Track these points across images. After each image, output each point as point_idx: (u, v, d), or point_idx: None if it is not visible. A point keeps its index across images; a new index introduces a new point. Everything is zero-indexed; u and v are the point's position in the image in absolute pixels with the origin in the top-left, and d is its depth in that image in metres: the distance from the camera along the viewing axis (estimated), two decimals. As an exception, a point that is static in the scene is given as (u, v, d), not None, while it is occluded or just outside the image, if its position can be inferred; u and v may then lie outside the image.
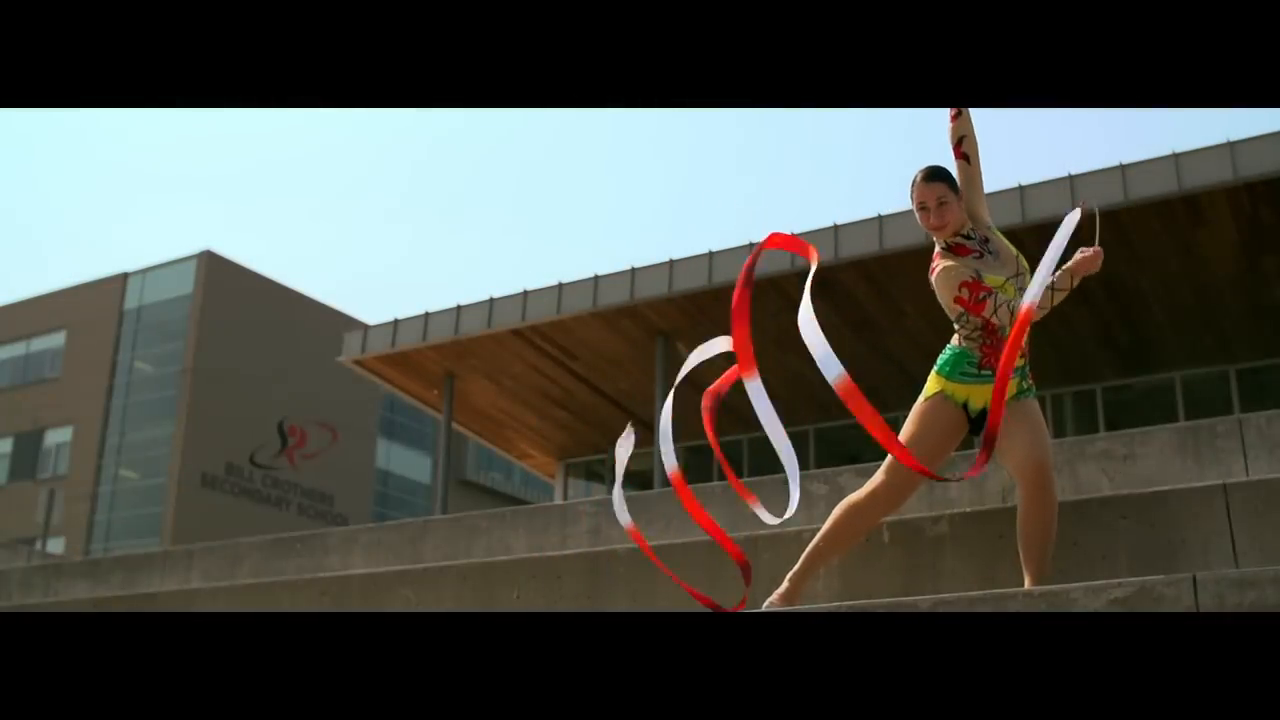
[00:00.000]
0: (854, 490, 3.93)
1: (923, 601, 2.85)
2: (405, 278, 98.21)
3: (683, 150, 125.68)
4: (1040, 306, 3.53)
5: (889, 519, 4.21)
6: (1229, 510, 3.64)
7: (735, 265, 15.03)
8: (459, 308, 16.91)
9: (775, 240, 3.92)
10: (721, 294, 15.19)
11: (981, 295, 3.67)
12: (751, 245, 15.05)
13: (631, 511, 5.86)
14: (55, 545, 30.33)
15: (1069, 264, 3.62)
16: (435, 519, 6.79)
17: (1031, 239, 13.23)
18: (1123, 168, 13.18)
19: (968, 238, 3.78)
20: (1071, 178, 13.27)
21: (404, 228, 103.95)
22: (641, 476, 19.68)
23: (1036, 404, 3.76)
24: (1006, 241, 3.83)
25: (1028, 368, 3.79)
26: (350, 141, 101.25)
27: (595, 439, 19.51)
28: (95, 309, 36.94)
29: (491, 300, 16.63)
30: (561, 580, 4.64)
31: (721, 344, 4.03)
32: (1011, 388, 3.72)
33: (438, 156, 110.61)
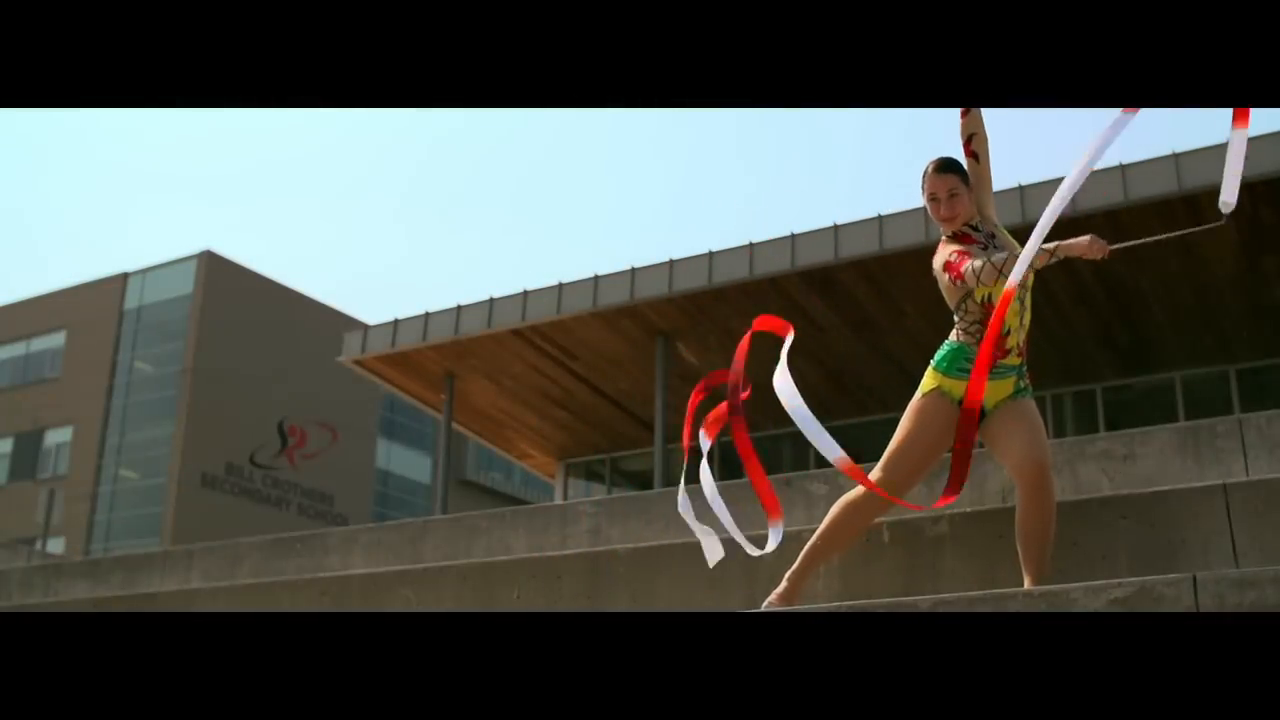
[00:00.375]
0: (853, 489, 3.93)
1: (923, 601, 2.85)
2: (405, 278, 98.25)
3: (683, 150, 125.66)
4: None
5: (889, 519, 4.21)
6: (1229, 510, 3.64)
7: (735, 265, 15.02)
8: (459, 308, 16.91)
9: (762, 323, 4.03)
10: (721, 294, 15.20)
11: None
12: (751, 245, 15.04)
13: (631, 512, 5.88)
14: (55, 545, 30.33)
15: (1064, 242, 3.50)
16: (435, 519, 6.78)
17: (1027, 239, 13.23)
18: (1123, 168, 13.17)
19: (974, 229, 3.80)
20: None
21: (404, 228, 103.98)
22: (641, 477, 19.68)
23: (1034, 404, 3.77)
24: (1012, 240, 3.83)
25: (1024, 367, 3.79)
26: (350, 141, 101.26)
27: (595, 439, 19.50)
28: (95, 309, 36.93)
29: (491, 300, 16.63)
30: (561, 580, 4.64)
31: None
32: (1008, 387, 3.72)
33: (438, 156, 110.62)
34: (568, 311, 15.96)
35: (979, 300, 3.73)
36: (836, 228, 14.55)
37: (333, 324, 33.57)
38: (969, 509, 4.26)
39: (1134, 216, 12.94)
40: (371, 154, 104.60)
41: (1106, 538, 3.80)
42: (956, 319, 3.80)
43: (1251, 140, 12.46)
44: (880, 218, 14.25)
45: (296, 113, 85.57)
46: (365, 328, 18.44)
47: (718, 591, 4.32)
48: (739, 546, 4.17)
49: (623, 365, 17.10)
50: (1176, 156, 12.86)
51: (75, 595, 6.99)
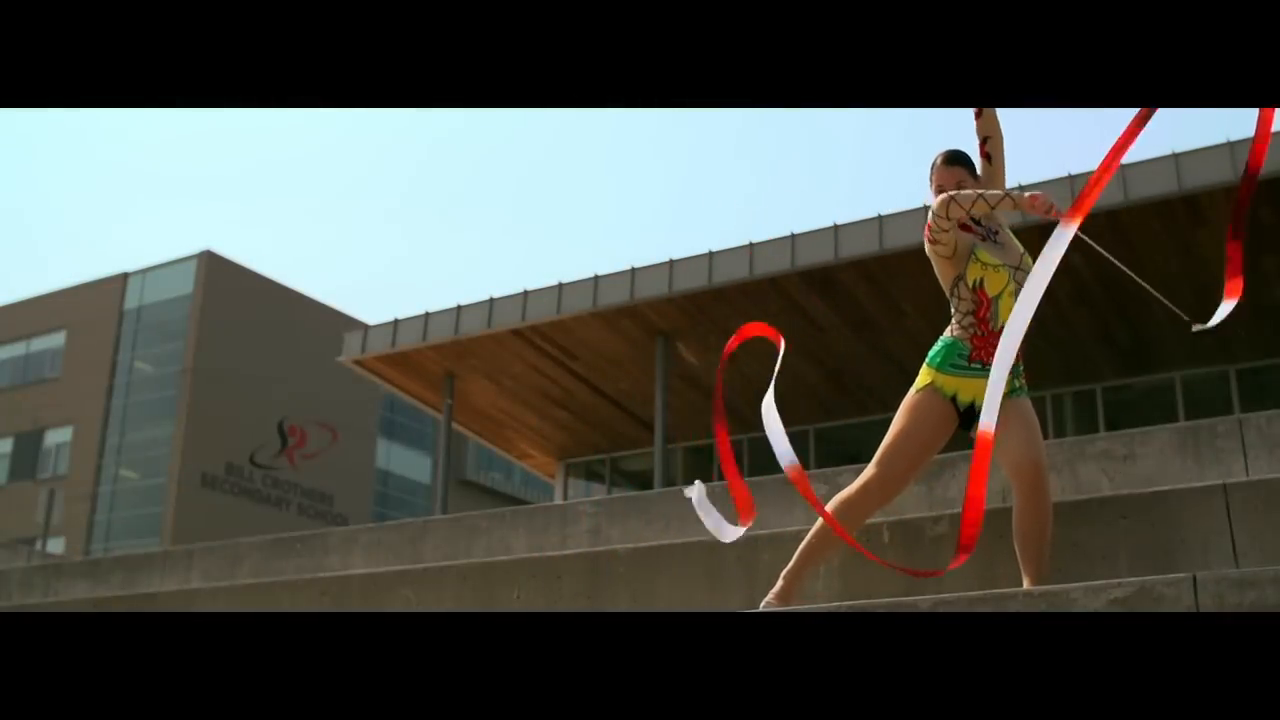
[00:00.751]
0: (847, 488, 3.93)
1: (923, 601, 2.85)
2: (405, 278, 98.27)
3: (683, 150, 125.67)
4: (967, 211, 3.66)
5: (889, 519, 4.20)
6: (1229, 510, 3.64)
7: (735, 265, 15.02)
8: (459, 308, 16.91)
9: (750, 330, 4.03)
10: (721, 294, 15.19)
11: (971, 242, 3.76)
12: (751, 245, 15.04)
13: (631, 512, 5.88)
14: (55, 545, 30.33)
15: (1024, 194, 3.64)
16: (435, 519, 6.78)
17: (1032, 239, 13.24)
18: (1123, 168, 13.17)
19: (977, 223, 3.81)
20: (1071, 178, 13.27)
21: (404, 228, 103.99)
22: (641, 476, 19.68)
23: (1029, 403, 3.77)
24: (1015, 240, 3.84)
25: (1021, 367, 3.79)
26: (350, 141, 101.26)
27: (595, 439, 19.50)
28: (95, 309, 36.94)
29: (491, 300, 16.63)
30: (561, 580, 4.64)
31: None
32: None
33: (438, 156, 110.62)
34: (568, 311, 15.96)
35: (970, 285, 3.74)
36: (836, 228, 14.55)
37: (333, 324, 33.57)
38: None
39: (1134, 216, 12.94)
40: (371, 154, 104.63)
41: (1106, 538, 3.80)
42: (951, 310, 3.81)
43: (1251, 140, 12.48)
44: (880, 218, 14.26)
45: (296, 113, 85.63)
46: (365, 328, 18.45)
47: (718, 591, 4.32)
48: (744, 541, 4.17)
49: (623, 365, 17.11)
50: (1176, 156, 12.86)
51: (75, 595, 6.99)
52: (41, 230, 78.27)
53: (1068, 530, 3.83)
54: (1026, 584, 3.52)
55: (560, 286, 16.14)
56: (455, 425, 18.91)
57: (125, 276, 37.48)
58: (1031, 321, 3.84)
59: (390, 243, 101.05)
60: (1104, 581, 2.72)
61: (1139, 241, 13.26)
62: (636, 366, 16.98)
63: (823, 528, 3.81)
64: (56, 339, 37.46)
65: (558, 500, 19.61)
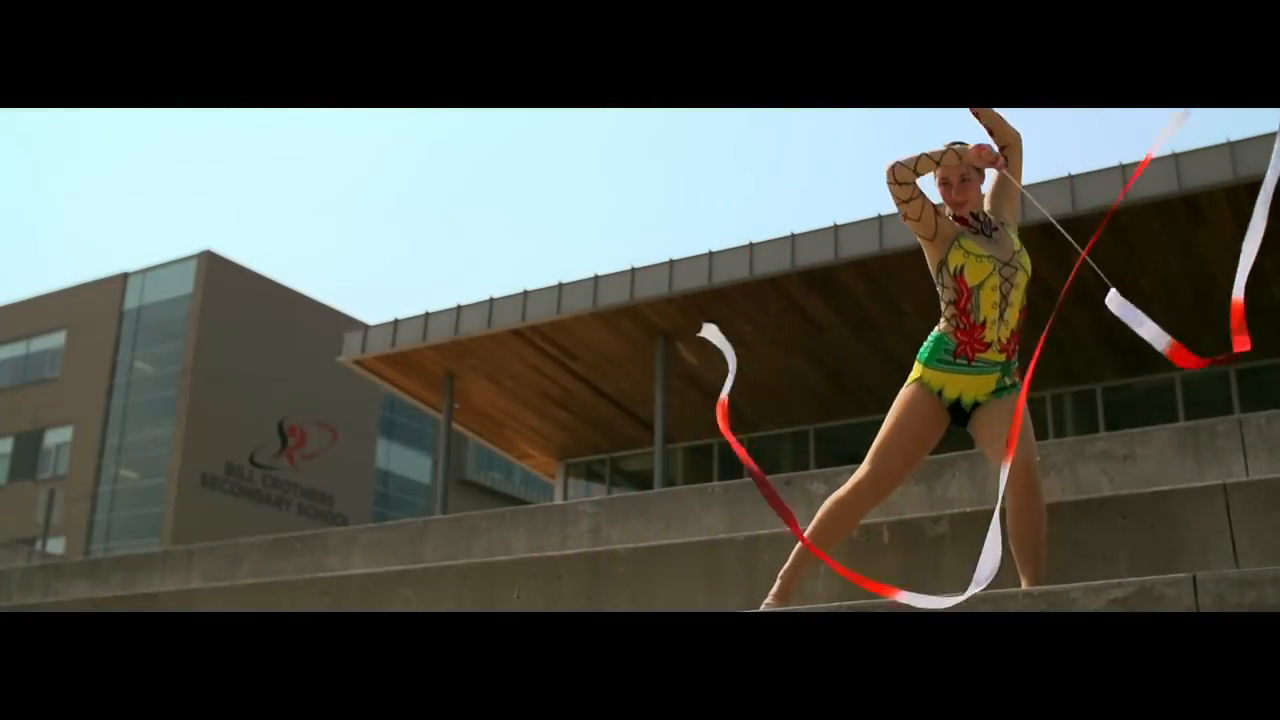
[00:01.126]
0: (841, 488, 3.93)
1: (923, 601, 2.84)
2: (405, 278, 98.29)
3: (683, 150, 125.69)
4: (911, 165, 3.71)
5: (889, 519, 4.20)
6: (1229, 510, 3.64)
7: (735, 265, 15.02)
8: (459, 308, 16.91)
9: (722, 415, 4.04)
10: (721, 294, 15.19)
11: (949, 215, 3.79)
12: (751, 245, 15.04)
13: (631, 512, 5.88)
14: (55, 545, 30.32)
15: (966, 145, 3.72)
16: (435, 519, 6.78)
17: (1032, 239, 13.24)
18: (1123, 168, 13.18)
19: (974, 217, 3.81)
20: (1071, 178, 13.27)
21: (404, 228, 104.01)
22: (641, 476, 19.68)
23: (1018, 400, 3.75)
24: (1015, 240, 3.82)
25: (1014, 364, 3.78)
26: (350, 141, 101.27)
27: (595, 439, 19.50)
28: (95, 309, 36.93)
29: (491, 300, 16.63)
30: (561, 580, 4.64)
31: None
32: (990, 383, 3.73)
33: (438, 156, 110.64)
34: (568, 311, 15.96)
35: (952, 272, 3.76)
36: (836, 228, 14.55)
37: (333, 324, 33.57)
38: (969, 509, 4.27)
39: (1134, 216, 12.94)
40: (371, 154, 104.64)
41: (1106, 538, 3.79)
42: (942, 305, 3.82)
43: (1251, 140, 12.49)
44: (880, 218, 14.25)
45: (296, 113, 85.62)
46: (365, 328, 18.44)
47: (718, 591, 4.32)
48: (744, 540, 4.16)
49: (623, 365, 17.11)
50: (1176, 156, 12.85)
51: (75, 595, 6.98)
52: (41, 230, 78.32)
53: (1068, 530, 3.83)
54: (1025, 585, 3.52)
55: (560, 286, 16.14)
56: (455, 425, 18.91)
57: (125, 276, 37.47)
58: (1028, 323, 3.84)
59: (390, 243, 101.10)
60: (1104, 581, 2.72)
61: (1139, 241, 13.26)
62: (636, 366, 16.97)
63: (814, 528, 3.81)
64: (56, 339, 37.45)
65: (558, 500, 19.61)
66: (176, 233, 76.32)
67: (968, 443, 4.06)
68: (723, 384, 4.34)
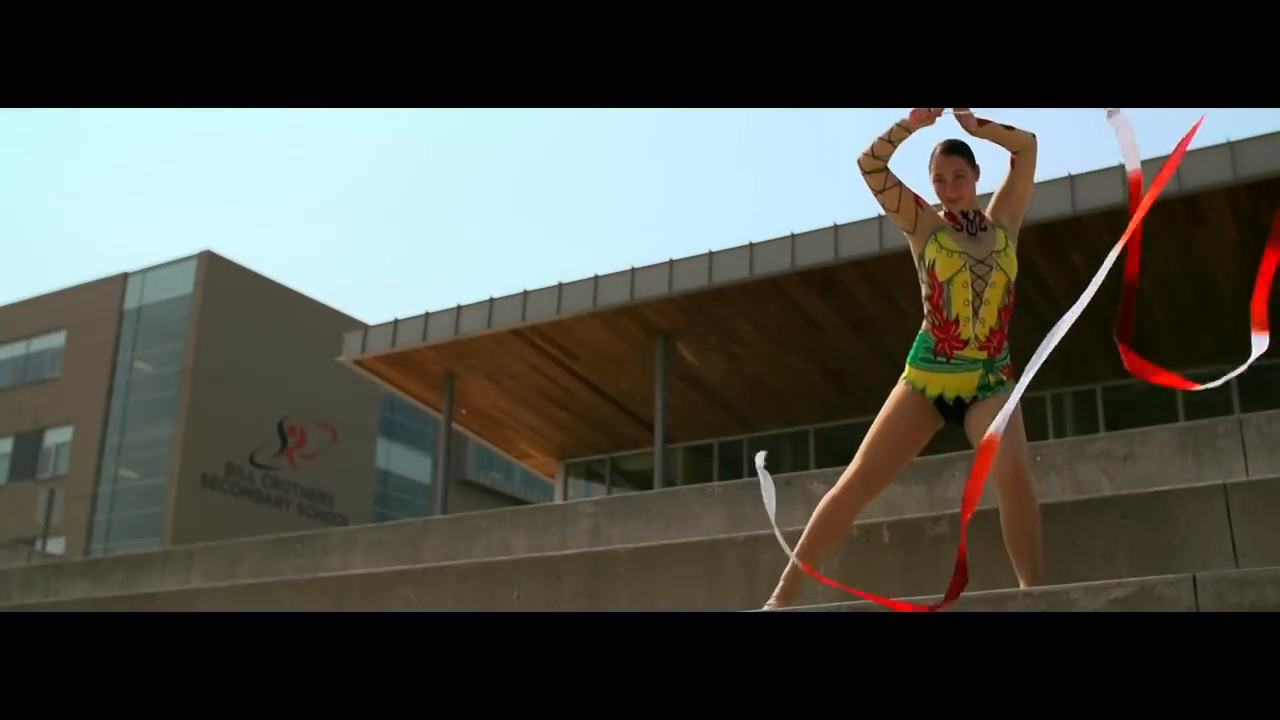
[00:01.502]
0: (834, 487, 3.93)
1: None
2: (405, 278, 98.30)
3: (683, 150, 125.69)
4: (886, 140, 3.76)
5: (889, 519, 4.20)
6: (1229, 510, 3.64)
7: (735, 265, 15.02)
8: (459, 308, 16.91)
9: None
10: (721, 294, 15.19)
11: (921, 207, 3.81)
12: (751, 245, 15.04)
13: (631, 512, 5.88)
14: (55, 545, 30.32)
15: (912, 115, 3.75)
16: (435, 519, 6.78)
17: (1031, 237, 13.23)
18: (1122, 168, 13.16)
19: (964, 215, 3.80)
20: (1071, 177, 13.27)
21: (404, 228, 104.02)
22: (641, 476, 19.68)
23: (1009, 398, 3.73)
24: (1001, 242, 3.78)
25: (997, 362, 3.76)
26: (350, 141, 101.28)
27: (595, 439, 19.50)
28: (95, 309, 36.93)
29: (491, 300, 16.63)
30: (561, 580, 4.64)
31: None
32: (972, 380, 3.72)
33: (438, 156, 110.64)
34: (568, 311, 15.96)
35: (926, 265, 3.79)
36: (836, 228, 14.55)
37: (333, 324, 33.57)
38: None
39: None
40: (371, 154, 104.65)
41: (1106, 538, 3.79)
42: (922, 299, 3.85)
43: (1251, 140, 12.50)
44: (880, 218, 14.24)
45: (296, 113, 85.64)
46: (365, 328, 18.44)
47: (718, 591, 4.31)
48: (744, 540, 4.16)
49: (623, 365, 17.11)
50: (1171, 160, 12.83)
51: (75, 595, 6.98)
52: (41, 230, 78.31)
53: (1068, 530, 3.83)
54: (1023, 586, 3.51)
55: (560, 286, 16.13)
56: (455, 425, 18.91)
57: (125, 276, 37.47)
58: (1010, 321, 3.83)
59: (390, 243, 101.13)
60: (1104, 581, 2.72)
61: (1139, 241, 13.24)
62: (636, 366, 16.97)
63: (811, 528, 3.81)
64: (56, 339, 37.45)
65: (558, 500, 19.61)
66: (176, 233, 76.39)
67: (968, 442, 4.06)
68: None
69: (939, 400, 3.77)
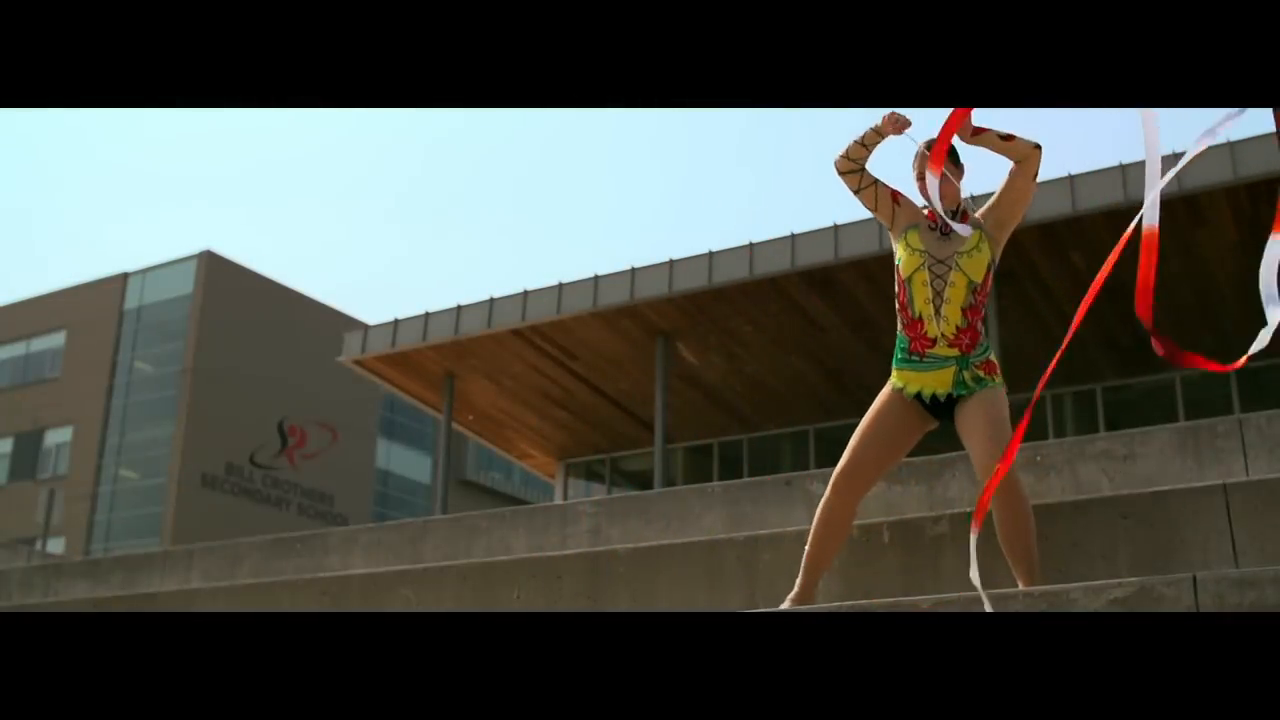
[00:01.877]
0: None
1: (923, 601, 2.85)
2: (405, 278, 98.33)
3: (683, 150, 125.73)
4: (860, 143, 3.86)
5: (889, 519, 4.20)
6: (1229, 510, 3.64)
7: (735, 265, 15.03)
8: (459, 308, 16.91)
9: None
10: (721, 294, 15.20)
11: (896, 208, 3.88)
12: (751, 245, 15.05)
13: (631, 512, 5.88)
14: (55, 545, 30.32)
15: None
16: (435, 519, 6.78)
17: (1031, 237, 13.24)
18: (1122, 168, 13.17)
19: (949, 212, 3.78)
20: (1071, 177, 13.27)
21: (404, 228, 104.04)
22: (641, 476, 19.68)
23: (994, 395, 3.70)
24: (973, 243, 3.76)
25: (972, 359, 3.72)
26: (350, 141, 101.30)
27: (595, 439, 19.50)
28: (95, 309, 36.93)
29: (491, 300, 16.63)
30: (561, 580, 4.64)
31: None
32: (946, 378, 3.71)
33: (438, 156, 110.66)
34: (568, 311, 15.96)
35: (895, 262, 3.86)
36: (836, 228, 14.56)
37: (333, 324, 33.56)
38: (969, 508, 4.26)
39: (1133, 216, 12.93)
40: (371, 154, 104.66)
41: (1106, 538, 3.79)
42: None
43: (1251, 140, 12.50)
44: (880, 218, 14.25)
45: (296, 113, 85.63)
46: (365, 328, 18.45)
47: (718, 591, 4.32)
48: (744, 540, 4.16)
49: (623, 365, 17.11)
50: (1177, 157, 12.85)
51: (75, 595, 6.98)
52: (41, 230, 78.31)
53: (1068, 530, 3.83)
54: (1021, 587, 3.51)
55: (560, 286, 16.14)
56: (455, 425, 18.91)
57: (125, 276, 37.47)
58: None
59: (390, 243, 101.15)
60: (1104, 581, 2.72)
61: (1139, 241, 13.25)
62: (636, 366, 16.98)
63: (812, 531, 3.81)
64: (56, 339, 37.44)
65: (558, 500, 19.61)
66: (176, 233, 76.38)
67: (953, 440, 4.06)
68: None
69: (926, 399, 3.77)
